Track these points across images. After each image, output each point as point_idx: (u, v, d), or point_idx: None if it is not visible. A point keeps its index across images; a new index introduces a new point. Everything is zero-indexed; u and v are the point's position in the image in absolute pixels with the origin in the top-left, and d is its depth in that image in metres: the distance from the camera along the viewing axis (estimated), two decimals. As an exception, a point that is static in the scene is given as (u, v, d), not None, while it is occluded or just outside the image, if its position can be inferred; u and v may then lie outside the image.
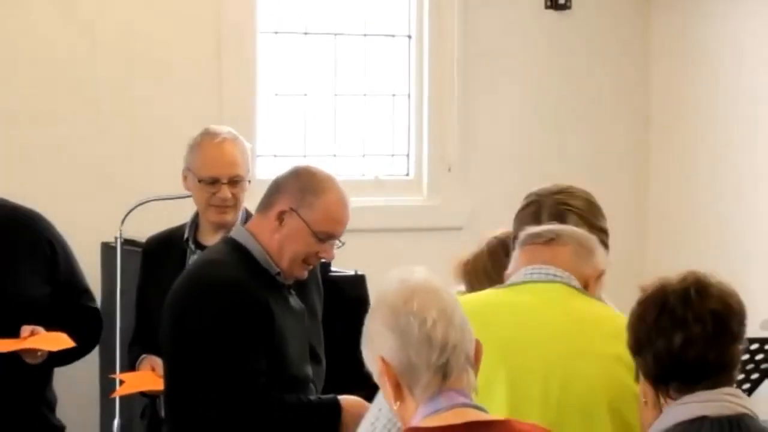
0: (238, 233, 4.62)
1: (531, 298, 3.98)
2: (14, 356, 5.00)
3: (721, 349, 3.27)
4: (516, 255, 4.11)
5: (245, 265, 4.50)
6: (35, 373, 5.17)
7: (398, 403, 3.11)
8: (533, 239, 4.06)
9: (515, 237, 4.35)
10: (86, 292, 5.40)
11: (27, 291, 5.19)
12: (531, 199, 4.42)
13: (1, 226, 5.25)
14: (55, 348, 5.06)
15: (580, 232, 4.16)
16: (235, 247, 4.54)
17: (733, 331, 3.29)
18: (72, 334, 5.13)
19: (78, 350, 5.22)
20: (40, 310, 5.13)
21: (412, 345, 3.07)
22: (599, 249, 4.11)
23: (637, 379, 3.39)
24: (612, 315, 3.90)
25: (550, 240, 4.04)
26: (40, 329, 5.04)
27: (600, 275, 4.07)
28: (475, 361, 3.17)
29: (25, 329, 5.01)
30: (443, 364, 3.06)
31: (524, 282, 4.01)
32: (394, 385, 3.09)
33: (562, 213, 4.33)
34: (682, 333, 3.25)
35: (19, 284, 5.19)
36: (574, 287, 3.97)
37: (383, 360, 3.09)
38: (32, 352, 5.02)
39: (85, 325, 5.25)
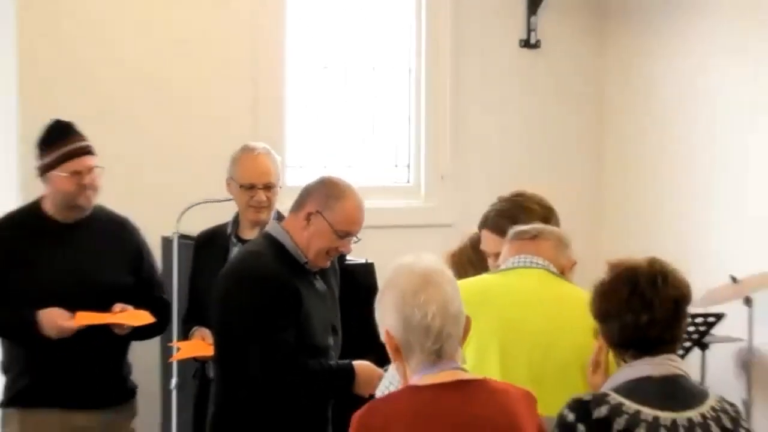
0: (274, 230, 4.62)
1: (518, 281, 4.00)
2: (104, 329, 5.05)
3: (674, 329, 3.28)
4: (506, 248, 4.12)
5: (280, 257, 4.52)
6: (118, 344, 5.22)
7: (397, 362, 3.17)
8: (521, 235, 4.08)
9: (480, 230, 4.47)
10: (160, 286, 5.43)
11: (117, 280, 5.21)
12: (489, 206, 4.49)
13: (100, 227, 5.26)
14: (138, 323, 5.11)
15: (559, 230, 4.19)
16: (272, 242, 4.56)
17: (684, 314, 3.31)
18: None
19: (152, 330, 5.28)
20: (125, 295, 5.15)
21: (412, 331, 3.12)
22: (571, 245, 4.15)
23: (595, 336, 3.41)
24: (582, 295, 3.81)
25: (535, 236, 4.06)
26: (129, 307, 5.10)
27: (573, 265, 4.10)
28: (464, 334, 3.20)
29: (117, 306, 5.07)
30: (437, 349, 3.11)
31: (513, 268, 4.04)
32: (394, 350, 3.15)
33: (500, 224, 4.35)
34: (649, 314, 3.25)
35: (112, 274, 5.22)
36: (552, 272, 4.00)
37: (387, 332, 3.14)
38: (120, 325, 5.09)
39: (158, 311, 5.26)
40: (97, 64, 6.66)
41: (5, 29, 6.62)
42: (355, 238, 4.62)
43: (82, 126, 5.28)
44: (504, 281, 4.05)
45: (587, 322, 3.55)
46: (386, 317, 3.16)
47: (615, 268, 3.35)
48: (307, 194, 4.59)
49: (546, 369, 3.82)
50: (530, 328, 3.89)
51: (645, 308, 3.25)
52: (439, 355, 3.11)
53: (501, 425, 3.14)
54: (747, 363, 6.81)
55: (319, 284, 4.65)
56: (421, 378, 3.12)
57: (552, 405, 3.53)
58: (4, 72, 6.62)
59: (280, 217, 5.07)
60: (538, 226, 4.14)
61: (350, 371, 4.59)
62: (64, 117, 5.29)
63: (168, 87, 6.82)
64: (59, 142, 5.13)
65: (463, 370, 3.17)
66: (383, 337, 3.21)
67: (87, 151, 5.13)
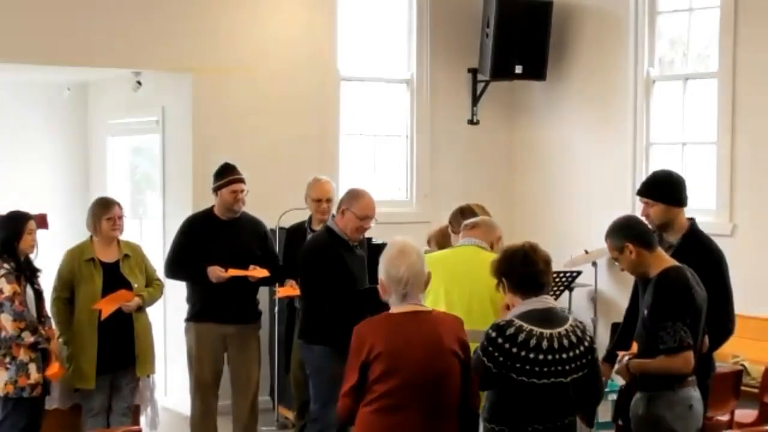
0: (330, 223, 4.62)
1: (461, 251, 3.99)
2: (243, 279, 5.05)
3: (546, 278, 3.21)
4: (460, 234, 4.08)
5: (333, 238, 4.53)
6: (253, 287, 5.17)
7: (385, 296, 3.13)
8: (467, 226, 4.07)
9: (450, 226, 4.44)
10: (276, 256, 5.33)
11: (252, 252, 5.15)
12: (453, 211, 4.50)
13: (244, 223, 5.18)
14: (261, 276, 5.09)
15: (489, 218, 4.15)
16: (329, 230, 4.57)
17: (549, 270, 3.24)
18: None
19: (269, 280, 5.23)
20: (256, 261, 5.12)
21: (392, 281, 3.08)
22: (499, 228, 4.08)
23: (497, 289, 3.27)
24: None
25: (475, 225, 4.05)
26: (257, 267, 5.09)
27: (499, 240, 4.01)
28: (425, 285, 3.13)
29: (251, 266, 5.07)
30: (405, 293, 3.07)
31: (461, 246, 4.03)
32: (383, 290, 3.12)
33: (459, 221, 4.25)
34: (533, 269, 3.18)
35: (250, 248, 5.15)
36: (482, 247, 3.96)
37: (381, 280, 3.12)
38: (252, 276, 5.07)
39: (274, 270, 5.18)
40: (242, 130, 6.41)
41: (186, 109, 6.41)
42: (374, 220, 4.51)
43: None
44: (453, 252, 4.07)
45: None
46: (382, 270, 3.11)
47: (510, 247, 3.27)
48: (341, 200, 4.60)
49: (472, 298, 3.78)
50: (463, 276, 3.85)
51: (531, 265, 3.18)
52: (405, 297, 3.06)
53: (433, 335, 3.06)
54: (593, 298, 6.71)
55: (358, 251, 4.62)
56: (394, 308, 3.09)
57: (477, 321, 3.55)
58: (184, 131, 6.42)
59: (332, 216, 4.85)
60: (474, 219, 4.13)
61: (376, 290, 4.24)
62: (220, 161, 5.26)
63: (276, 145, 6.52)
64: (226, 173, 5.11)
65: (420, 304, 3.10)
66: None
67: (241, 180, 5.11)
